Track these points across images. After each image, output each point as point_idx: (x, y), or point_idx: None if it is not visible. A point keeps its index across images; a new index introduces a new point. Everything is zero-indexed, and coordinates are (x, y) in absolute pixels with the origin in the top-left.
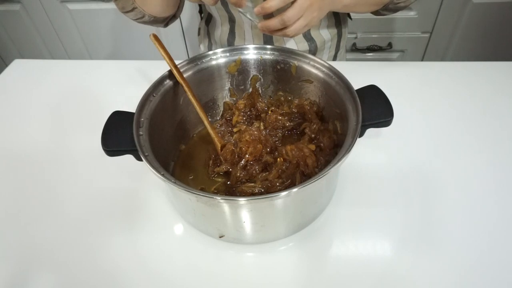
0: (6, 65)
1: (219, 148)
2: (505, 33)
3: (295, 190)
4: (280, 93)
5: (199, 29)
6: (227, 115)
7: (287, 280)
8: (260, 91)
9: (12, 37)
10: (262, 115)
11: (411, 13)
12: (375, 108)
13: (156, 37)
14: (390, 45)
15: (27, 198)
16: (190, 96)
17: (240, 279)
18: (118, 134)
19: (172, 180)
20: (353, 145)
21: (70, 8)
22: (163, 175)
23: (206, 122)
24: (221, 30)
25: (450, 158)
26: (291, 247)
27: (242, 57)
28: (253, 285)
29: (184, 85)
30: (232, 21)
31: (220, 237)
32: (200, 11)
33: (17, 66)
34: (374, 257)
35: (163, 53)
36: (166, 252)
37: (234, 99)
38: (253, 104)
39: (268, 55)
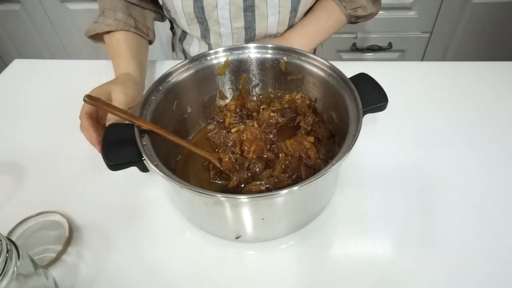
0: (6, 65)
1: (218, 163)
2: (505, 33)
3: (318, 178)
4: (270, 89)
5: (173, 44)
6: (219, 118)
7: (288, 278)
8: (250, 91)
9: (12, 37)
10: (254, 114)
11: (411, 13)
12: (369, 94)
13: (91, 98)
14: (390, 45)
15: (27, 198)
16: (167, 136)
17: (240, 277)
18: (119, 147)
19: (189, 186)
20: (359, 130)
21: (70, 8)
22: (179, 182)
23: (191, 147)
24: (199, 46)
25: (451, 157)
26: (292, 245)
27: (230, 57)
28: (253, 283)
29: (154, 128)
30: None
31: (237, 237)
32: (172, 27)
33: (17, 66)
34: (374, 256)
35: (112, 110)
36: (166, 251)
37: (226, 100)
38: (243, 104)
39: (256, 54)
